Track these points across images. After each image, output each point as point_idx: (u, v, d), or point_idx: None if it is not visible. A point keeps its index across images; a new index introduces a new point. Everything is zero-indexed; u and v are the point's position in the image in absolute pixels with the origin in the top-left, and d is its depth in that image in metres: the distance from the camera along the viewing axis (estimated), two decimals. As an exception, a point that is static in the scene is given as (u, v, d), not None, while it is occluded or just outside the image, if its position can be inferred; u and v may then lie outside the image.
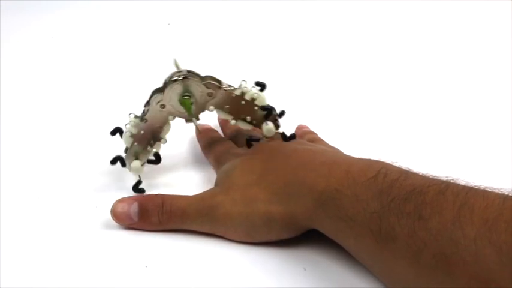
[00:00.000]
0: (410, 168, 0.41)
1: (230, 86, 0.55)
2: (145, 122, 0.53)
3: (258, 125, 0.55)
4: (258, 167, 0.48)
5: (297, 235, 0.45)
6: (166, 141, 0.55)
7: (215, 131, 0.62)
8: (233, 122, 0.55)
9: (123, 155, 0.55)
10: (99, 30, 1.03)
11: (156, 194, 0.48)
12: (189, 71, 0.54)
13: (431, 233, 0.35)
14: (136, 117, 0.54)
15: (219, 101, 0.54)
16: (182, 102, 0.53)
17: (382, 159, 0.43)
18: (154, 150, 0.55)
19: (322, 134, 0.61)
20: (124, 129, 0.54)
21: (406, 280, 0.37)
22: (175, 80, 0.53)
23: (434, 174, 0.39)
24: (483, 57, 0.85)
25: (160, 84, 0.55)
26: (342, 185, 0.41)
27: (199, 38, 0.98)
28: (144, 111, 0.54)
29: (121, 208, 0.47)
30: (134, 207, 0.47)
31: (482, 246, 0.32)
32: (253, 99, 0.54)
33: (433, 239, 0.34)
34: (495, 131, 0.64)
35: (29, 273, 0.43)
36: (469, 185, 0.37)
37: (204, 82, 0.53)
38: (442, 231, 0.34)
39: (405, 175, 0.39)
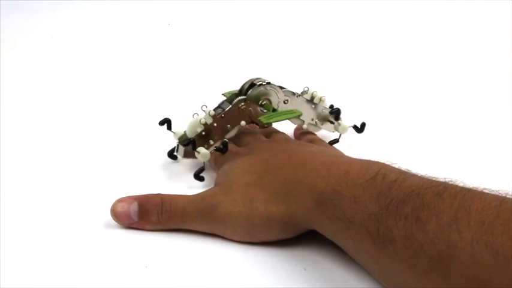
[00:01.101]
0: (409, 169, 0.41)
1: (298, 92, 0.59)
2: (222, 117, 0.56)
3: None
4: (258, 167, 0.48)
5: (296, 235, 0.46)
6: (208, 151, 0.55)
7: None
8: (305, 126, 0.60)
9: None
10: (99, 30, 1.03)
11: (155, 194, 0.48)
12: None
13: (429, 236, 0.35)
14: (215, 109, 0.57)
15: (292, 108, 0.58)
16: (265, 105, 0.57)
17: (382, 160, 0.43)
18: (215, 145, 0.56)
19: (321, 134, 0.61)
20: (194, 117, 0.56)
21: (403, 282, 0.37)
22: (260, 85, 0.57)
23: (433, 176, 0.39)
24: (483, 57, 0.85)
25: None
26: (340, 186, 0.41)
27: (199, 38, 0.98)
28: (222, 108, 0.57)
29: (121, 208, 0.47)
30: (134, 207, 0.47)
31: (479, 249, 0.32)
32: (321, 102, 0.60)
33: (430, 242, 0.35)
34: (494, 132, 0.64)
35: (29, 273, 0.44)
36: (466, 186, 0.37)
37: (283, 90, 0.58)
38: (439, 233, 0.34)
39: (404, 176, 0.39)
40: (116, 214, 0.47)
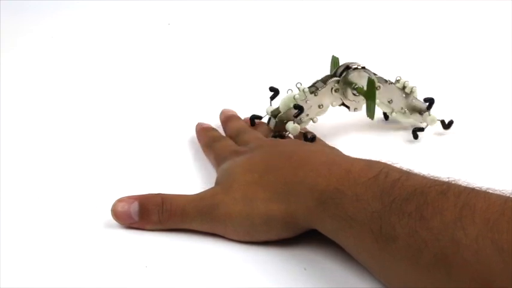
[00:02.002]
0: (411, 169, 0.41)
1: (390, 80, 0.60)
2: (315, 95, 0.58)
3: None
4: (259, 166, 0.48)
5: (296, 235, 0.45)
6: (317, 121, 0.59)
7: (216, 129, 0.62)
8: (394, 114, 0.61)
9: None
10: (99, 30, 1.03)
11: (156, 193, 0.48)
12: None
13: (433, 233, 0.35)
14: (309, 87, 0.59)
15: (383, 94, 0.59)
16: (357, 89, 0.58)
17: (383, 160, 0.43)
18: (296, 125, 0.58)
19: (320, 134, 0.61)
20: (288, 93, 0.59)
21: (405, 280, 0.37)
22: (355, 69, 0.58)
23: (435, 175, 0.39)
24: (483, 57, 0.85)
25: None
26: (342, 185, 0.41)
27: (199, 38, 0.98)
28: (316, 87, 0.59)
29: (121, 207, 0.47)
30: (134, 207, 0.47)
31: (484, 245, 0.32)
32: (412, 92, 0.60)
33: (434, 239, 0.34)
34: (496, 132, 0.64)
35: (29, 273, 0.43)
36: (470, 186, 0.37)
37: (376, 76, 0.59)
38: (443, 231, 0.34)
39: (406, 175, 0.39)
40: (116, 214, 0.47)
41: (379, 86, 0.59)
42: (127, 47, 0.95)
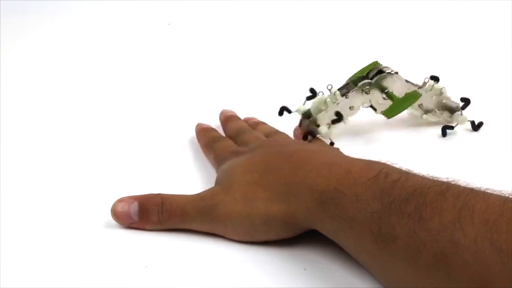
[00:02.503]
0: (411, 169, 0.41)
1: (419, 84, 0.62)
2: (346, 98, 0.59)
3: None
4: (259, 166, 0.48)
5: (296, 235, 0.46)
6: (348, 122, 0.61)
7: (215, 130, 0.62)
8: (425, 116, 0.63)
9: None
10: (99, 30, 1.03)
11: (156, 194, 0.48)
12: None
13: (432, 234, 0.35)
14: (340, 89, 0.60)
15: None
16: (388, 94, 0.59)
17: (383, 160, 0.43)
18: (328, 130, 0.60)
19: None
20: (319, 95, 0.61)
21: (405, 281, 0.37)
22: (388, 73, 0.59)
23: (434, 176, 0.39)
24: (483, 57, 0.85)
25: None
26: (342, 185, 0.41)
27: (199, 38, 0.98)
28: (347, 89, 0.60)
29: (121, 208, 0.47)
30: (134, 207, 0.47)
31: (483, 246, 0.32)
32: (441, 93, 0.62)
33: (433, 240, 0.34)
34: (496, 132, 0.64)
35: (29, 273, 0.43)
36: (469, 186, 0.37)
37: (407, 82, 0.60)
38: (442, 231, 0.34)
39: (406, 176, 0.39)
40: (116, 214, 0.47)
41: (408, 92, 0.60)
42: (127, 47, 0.95)
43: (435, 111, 0.63)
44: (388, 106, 0.60)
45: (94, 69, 0.85)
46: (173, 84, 0.80)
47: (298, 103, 0.62)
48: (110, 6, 1.12)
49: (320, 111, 0.60)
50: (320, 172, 0.43)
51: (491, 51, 0.88)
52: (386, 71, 0.60)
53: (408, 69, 0.66)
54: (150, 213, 0.47)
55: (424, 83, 0.62)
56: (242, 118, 0.65)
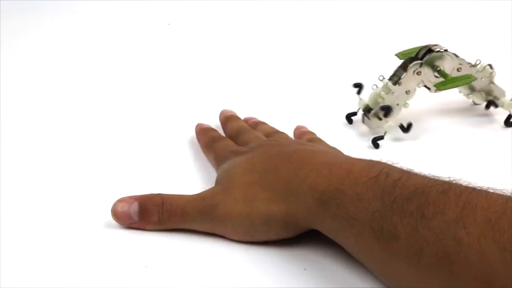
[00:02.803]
0: (412, 169, 0.41)
1: (471, 63, 0.63)
2: (399, 85, 0.60)
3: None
4: (259, 166, 0.48)
5: (296, 235, 0.45)
6: (408, 105, 0.61)
7: (215, 130, 0.62)
8: (470, 96, 0.64)
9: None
10: (99, 30, 1.03)
11: (156, 194, 0.48)
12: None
13: (434, 232, 0.35)
14: (391, 78, 0.61)
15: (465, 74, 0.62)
16: (439, 71, 0.60)
17: (383, 160, 0.43)
18: (391, 123, 0.60)
19: (321, 134, 0.61)
20: (373, 88, 0.62)
21: (407, 280, 0.37)
22: (438, 51, 0.60)
23: (436, 175, 0.39)
24: (484, 57, 0.85)
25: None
26: (343, 185, 0.41)
27: (199, 38, 0.98)
28: (398, 75, 0.61)
29: (121, 208, 0.47)
30: (134, 207, 0.47)
31: (485, 245, 0.32)
32: (490, 76, 0.63)
33: (435, 238, 0.34)
34: (496, 132, 0.64)
35: (29, 273, 0.43)
36: (471, 185, 0.37)
37: (458, 58, 0.61)
38: (445, 230, 0.34)
39: (407, 175, 0.39)
40: (116, 214, 0.47)
41: (461, 68, 0.61)
42: (127, 47, 0.95)
43: (481, 94, 0.64)
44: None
45: (94, 69, 0.85)
46: (173, 84, 0.80)
47: (298, 103, 0.61)
48: (110, 6, 1.12)
49: (378, 104, 0.61)
50: (320, 172, 0.43)
51: (491, 51, 0.88)
52: (436, 50, 0.61)
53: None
54: (151, 213, 0.47)
55: (476, 64, 0.63)
56: (242, 118, 0.65)
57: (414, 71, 0.60)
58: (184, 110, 0.70)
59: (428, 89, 0.62)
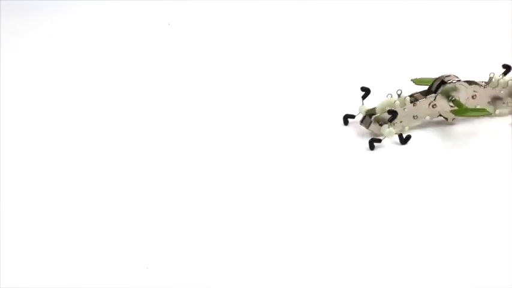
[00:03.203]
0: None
1: (484, 81, 0.64)
2: (414, 105, 0.62)
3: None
4: None
5: None
6: (407, 130, 0.62)
7: None
8: (497, 111, 0.64)
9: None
10: (99, 30, 1.03)
11: None
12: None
13: None
14: (410, 96, 0.63)
15: (482, 99, 0.63)
16: (454, 101, 0.62)
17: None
18: (392, 129, 0.61)
19: (321, 135, 0.61)
20: (388, 97, 0.63)
21: None
22: (450, 83, 0.62)
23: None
24: (484, 57, 0.85)
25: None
26: None
27: (199, 38, 0.98)
28: (416, 98, 0.63)
29: None
30: None
31: None
32: (508, 85, 0.64)
33: None
34: (497, 130, 0.64)
35: (29, 273, 0.43)
36: None
37: (471, 85, 0.63)
38: None
39: None
40: None
41: (475, 95, 0.63)
42: (127, 47, 0.95)
43: (506, 102, 0.65)
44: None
45: (94, 69, 0.85)
46: (173, 84, 0.80)
47: (297, 103, 0.62)
48: (110, 6, 1.12)
49: (385, 111, 0.62)
50: None
51: (491, 51, 0.88)
52: (449, 81, 0.62)
53: (409, 68, 0.66)
54: None
55: (490, 79, 0.64)
56: (241, 117, 0.64)
57: (430, 104, 0.62)
58: (184, 110, 0.70)
59: (446, 119, 0.64)
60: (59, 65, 0.87)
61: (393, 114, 0.61)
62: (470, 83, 0.63)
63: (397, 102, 0.62)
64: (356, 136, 0.64)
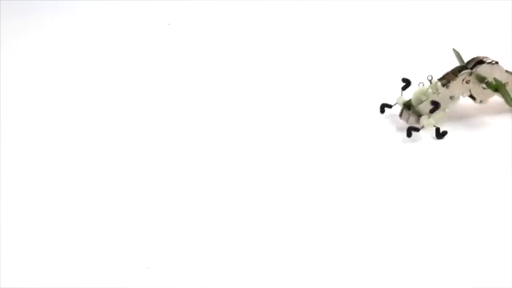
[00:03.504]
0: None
1: None
2: (446, 88, 0.62)
3: None
4: None
5: None
6: (448, 111, 0.62)
7: None
8: None
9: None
10: (99, 30, 1.03)
11: None
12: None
13: None
14: (440, 79, 0.63)
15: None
16: (487, 83, 0.61)
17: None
18: (431, 120, 0.61)
19: (322, 134, 0.61)
20: (420, 86, 0.63)
21: None
22: (489, 63, 0.62)
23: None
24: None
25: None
26: None
27: (199, 38, 0.98)
28: (447, 79, 0.63)
29: None
30: None
31: None
32: None
33: None
34: (496, 130, 0.64)
35: (29, 273, 0.43)
36: None
37: (507, 72, 0.63)
38: None
39: None
40: None
41: (508, 83, 0.63)
42: (127, 47, 0.95)
43: None
44: (486, 95, 0.63)
45: (94, 69, 0.85)
46: (173, 84, 0.80)
47: (297, 103, 0.62)
48: (110, 6, 1.12)
49: (421, 101, 0.62)
50: None
51: (491, 51, 0.88)
52: (486, 61, 0.62)
53: (409, 68, 0.66)
54: None
55: None
56: (239, 117, 0.65)
57: (463, 79, 0.62)
58: (183, 110, 0.70)
59: (474, 99, 0.63)
60: (59, 65, 0.87)
61: (435, 105, 0.61)
62: (507, 71, 0.63)
63: (429, 90, 0.62)
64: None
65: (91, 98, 0.75)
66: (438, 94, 0.62)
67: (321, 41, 0.96)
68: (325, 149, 0.60)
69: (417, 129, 0.61)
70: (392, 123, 0.65)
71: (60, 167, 0.58)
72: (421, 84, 0.63)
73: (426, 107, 0.62)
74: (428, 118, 0.61)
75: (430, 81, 0.62)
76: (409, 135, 0.61)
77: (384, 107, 0.66)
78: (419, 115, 0.62)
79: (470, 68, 0.62)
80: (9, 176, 0.57)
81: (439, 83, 0.62)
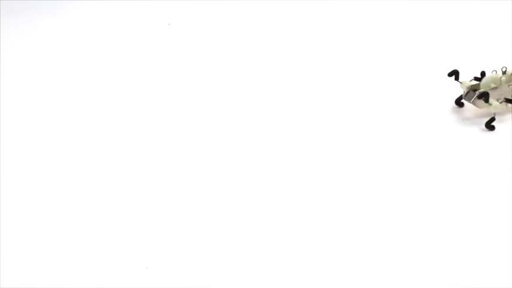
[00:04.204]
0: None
1: None
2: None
3: None
4: None
5: None
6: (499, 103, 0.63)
7: None
8: None
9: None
10: (99, 30, 1.03)
11: None
12: None
13: None
14: (503, 73, 0.65)
15: None
16: None
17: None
18: (499, 103, 0.63)
19: (322, 134, 0.61)
20: (493, 73, 0.65)
21: None
22: None
23: None
24: (484, 57, 0.85)
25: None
26: None
27: (199, 38, 0.98)
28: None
29: None
30: None
31: None
32: None
33: None
34: (497, 130, 0.64)
35: (29, 273, 0.43)
36: None
37: None
38: None
39: None
40: None
41: None
42: (127, 47, 0.95)
43: None
44: None
45: (94, 69, 0.85)
46: (173, 84, 0.80)
47: (296, 101, 0.61)
48: (110, 6, 1.12)
49: (490, 87, 0.64)
50: None
51: (491, 51, 0.88)
52: None
53: (409, 68, 0.66)
54: None
55: None
56: (244, 116, 0.65)
57: (508, 82, 0.64)
58: (183, 110, 0.70)
59: None
60: (58, 65, 0.87)
61: (485, 96, 0.62)
62: None
63: (503, 78, 0.64)
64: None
65: (91, 98, 0.75)
66: (509, 86, 0.64)
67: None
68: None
69: (493, 119, 0.62)
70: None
71: (60, 167, 0.59)
72: (494, 72, 0.65)
73: (494, 93, 0.63)
74: (493, 103, 0.62)
75: (504, 72, 0.64)
76: (491, 128, 0.62)
77: (459, 100, 0.67)
78: (485, 100, 0.63)
79: None
80: (9, 175, 0.57)
81: (505, 76, 0.64)
